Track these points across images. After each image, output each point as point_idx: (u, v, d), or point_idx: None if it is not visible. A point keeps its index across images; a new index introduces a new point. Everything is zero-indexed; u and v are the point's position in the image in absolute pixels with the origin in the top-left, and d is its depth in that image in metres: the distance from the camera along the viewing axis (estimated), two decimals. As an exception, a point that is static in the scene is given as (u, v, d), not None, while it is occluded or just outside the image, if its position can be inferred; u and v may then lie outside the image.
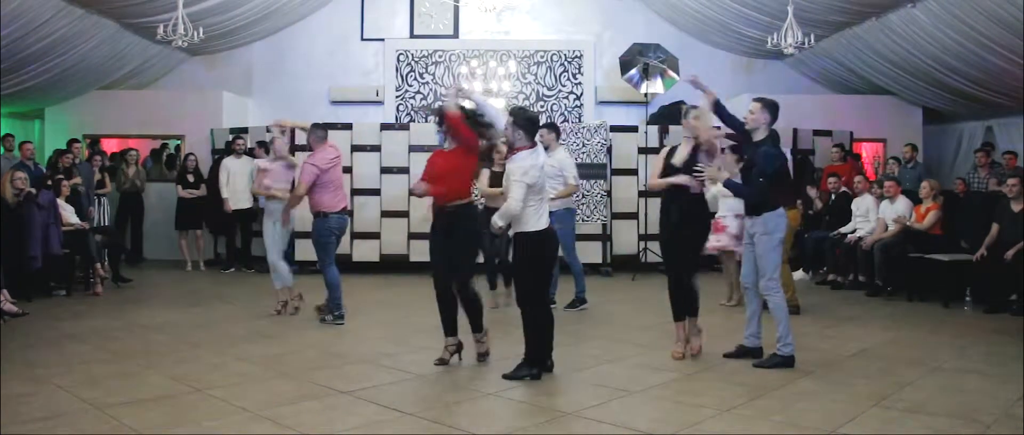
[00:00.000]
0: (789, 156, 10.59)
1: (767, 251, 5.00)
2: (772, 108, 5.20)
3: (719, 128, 5.33)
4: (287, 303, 6.88)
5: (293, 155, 8.95)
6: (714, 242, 6.89)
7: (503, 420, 3.96)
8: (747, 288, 5.29)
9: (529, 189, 4.59)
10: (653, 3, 12.31)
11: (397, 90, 12.38)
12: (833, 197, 9.52)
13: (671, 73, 11.11)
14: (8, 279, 6.78)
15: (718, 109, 5.26)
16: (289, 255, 9.44)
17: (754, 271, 5.12)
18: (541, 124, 7.11)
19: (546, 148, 6.93)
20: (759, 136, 5.17)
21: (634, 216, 10.22)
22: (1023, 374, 4.67)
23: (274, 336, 5.98)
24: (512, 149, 4.80)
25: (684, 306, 5.25)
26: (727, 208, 7.01)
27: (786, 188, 5.88)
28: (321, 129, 6.80)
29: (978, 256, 7.28)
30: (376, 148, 10.16)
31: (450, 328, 5.03)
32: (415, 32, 12.46)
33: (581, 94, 12.40)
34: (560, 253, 6.86)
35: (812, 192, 9.85)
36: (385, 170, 10.07)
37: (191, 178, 10.49)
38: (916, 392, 4.37)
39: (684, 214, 5.19)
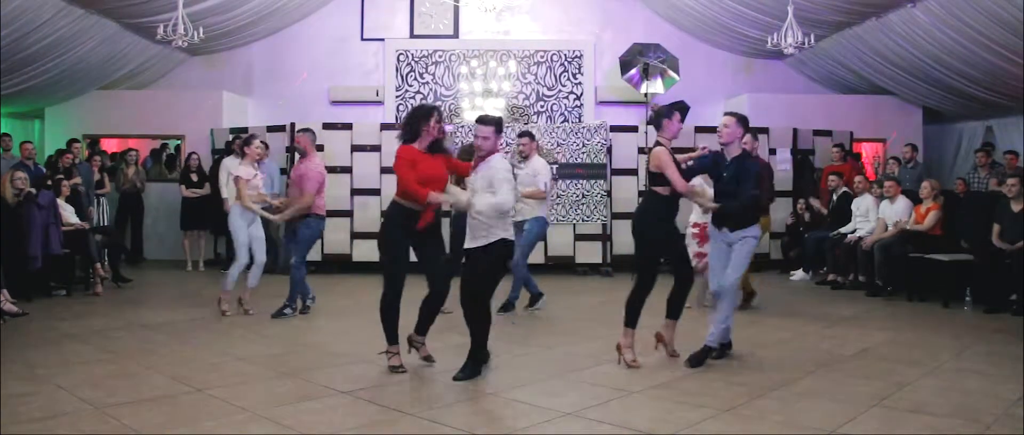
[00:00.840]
0: (789, 156, 10.66)
1: (745, 255, 5.08)
2: (746, 122, 5.20)
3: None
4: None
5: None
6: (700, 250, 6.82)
7: (503, 420, 3.96)
8: (714, 292, 5.25)
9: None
10: (653, 3, 12.31)
11: (397, 90, 12.39)
12: (834, 197, 9.51)
13: (671, 73, 11.12)
14: (8, 279, 6.78)
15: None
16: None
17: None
18: (521, 132, 7.24)
19: (526, 157, 6.98)
20: (734, 151, 5.14)
21: (634, 216, 10.21)
22: (1023, 374, 4.67)
23: (274, 336, 5.98)
24: (490, 153, 4.79)
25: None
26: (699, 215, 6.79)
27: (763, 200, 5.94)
28: (313, 133, 6.92)
29: (997, 242, 7.18)
30: (376, 148, 10.16)
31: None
32: (415, 32, 12.47)
33: (581, 94, 12.41)
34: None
35: (815, 203, 9.84)
36: (385, 170, 10.05)
37: (195, 177, 10.48)
38: (916, 392, 4.37)
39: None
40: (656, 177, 5.01)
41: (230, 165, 9.99)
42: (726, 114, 5.26)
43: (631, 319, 5.04)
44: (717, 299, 5.17)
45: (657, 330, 5.20)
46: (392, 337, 4.89)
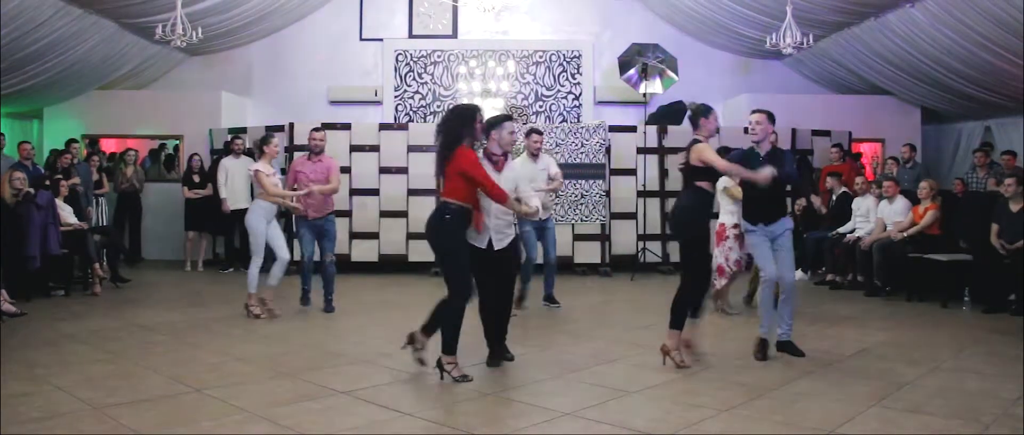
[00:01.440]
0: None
1: (791, 249, 5.26)
2: (774, 119, 5.32)
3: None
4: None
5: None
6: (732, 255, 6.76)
7: (502, 420, 3.96)
8: (769, 281, 5.25)
9: None
10: (652, 3, 12.32)
11: (396, 90, 12.39)
12: (833, 198, 9.51)
13: (669, 73, 11.11)
14: (7, 279, 6.77)
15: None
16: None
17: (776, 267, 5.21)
18: (531, 130, 7.28)
19: (536, 154, 7.01)
20: (765, 147, 5.24)
21: (633, 216, 10.21)
22: (1022, 374, 4.68)
23: (272, 336, 5.97)
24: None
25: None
26: (729, 213, 6.83)
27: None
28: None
29: (1008, 248, 7.10)
30: (375, 148, 10.15)
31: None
32: (414, 32, 12.47)
33: (580, 94, 12.41)
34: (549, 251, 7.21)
35: (816, 201, 9.84)
36: (384, 170, 10.07)
37: (197, 178, 10.47)
38: (915, 392, 4.37)
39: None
40: (698, 172, 5.01)
41: (229, 165, 10.03)
42: (755, 112, 5.33)
43: (678, 321, 4.98)
44: (783, 297, 5.26)
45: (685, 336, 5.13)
46: (452, 347, 4.64)
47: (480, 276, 4.85)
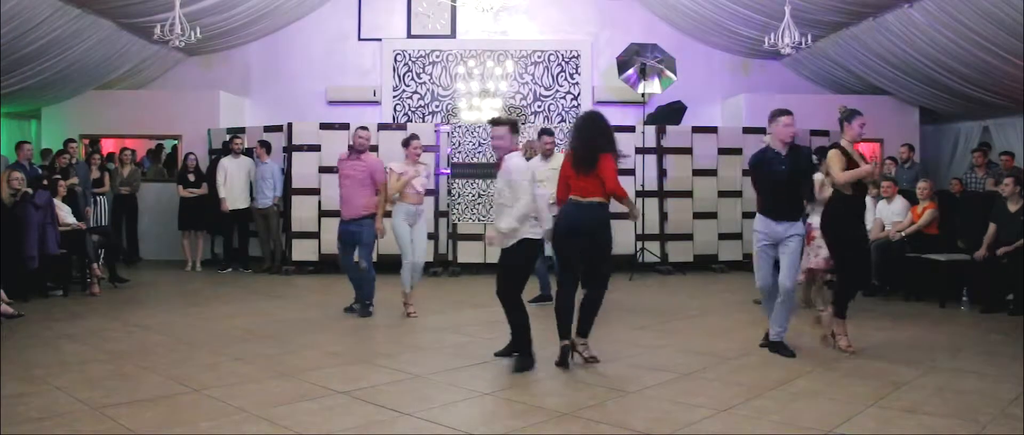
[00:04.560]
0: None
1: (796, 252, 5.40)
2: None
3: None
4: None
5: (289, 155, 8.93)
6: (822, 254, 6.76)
7: (500, 420, 3.96)
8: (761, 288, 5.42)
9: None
10: (650, 3, 12.32)
11: (394, 90, 12.39)
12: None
13: (668, 73, 11.11)
14: (5, 280, 6.76)
15: None
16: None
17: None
18: (543, 130, 7.35)
19: (549, 155, 7.06)
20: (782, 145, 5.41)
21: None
22: (1021, 374, 4.69)
23: (271, 336, 5.97)
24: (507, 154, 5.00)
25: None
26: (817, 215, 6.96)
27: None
28: None
29: (981, 255, 7.25)
30: (374, 148, 10.12)
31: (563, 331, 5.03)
32: (412, 32, 12.47)
33: (578, 94, 12.41)
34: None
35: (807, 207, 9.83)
36: (382, 170, 10.04)
37: (192, 177, 10.46)
38: (913, 392, 4.38)
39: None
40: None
41: (227, 165, 10.03)
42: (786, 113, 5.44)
43: (842, 310, 5.39)
44: (780, 300, 5.36)
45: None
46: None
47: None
